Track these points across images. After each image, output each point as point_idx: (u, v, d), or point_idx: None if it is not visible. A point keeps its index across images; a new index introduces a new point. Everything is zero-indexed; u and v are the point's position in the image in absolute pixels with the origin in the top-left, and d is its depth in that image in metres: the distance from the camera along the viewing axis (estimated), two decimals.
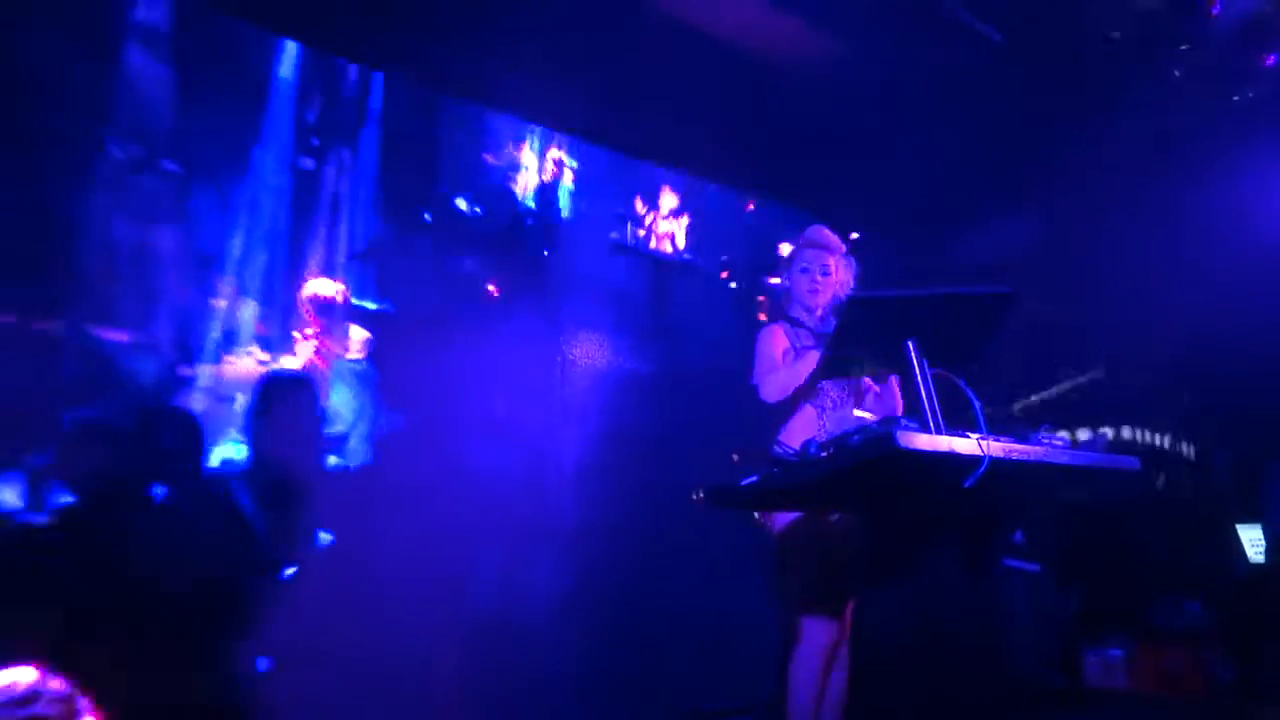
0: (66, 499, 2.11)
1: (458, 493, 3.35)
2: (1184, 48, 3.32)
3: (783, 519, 2.07)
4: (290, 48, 4.04)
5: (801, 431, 2.01)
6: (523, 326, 4.27)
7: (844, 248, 2.34)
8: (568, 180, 5.29)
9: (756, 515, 2.13)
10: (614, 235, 5.33)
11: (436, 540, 3.09)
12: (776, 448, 1.73)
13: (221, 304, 3.70)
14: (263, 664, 2.15)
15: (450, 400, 3.78)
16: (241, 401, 3.20)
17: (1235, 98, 3.53)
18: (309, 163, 4.21)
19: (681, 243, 5.76)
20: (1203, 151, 3.72)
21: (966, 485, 1.47)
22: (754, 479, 1.74)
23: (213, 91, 3.73)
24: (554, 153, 5.30)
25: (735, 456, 1.75)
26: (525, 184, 5.10)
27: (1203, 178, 3.74)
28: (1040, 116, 3.82)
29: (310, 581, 2.35)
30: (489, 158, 5.11)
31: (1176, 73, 3.40)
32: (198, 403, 3.31)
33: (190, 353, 3.55)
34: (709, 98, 3.61)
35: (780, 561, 2.06)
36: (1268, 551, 3.72)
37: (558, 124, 4.57)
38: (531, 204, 5.12)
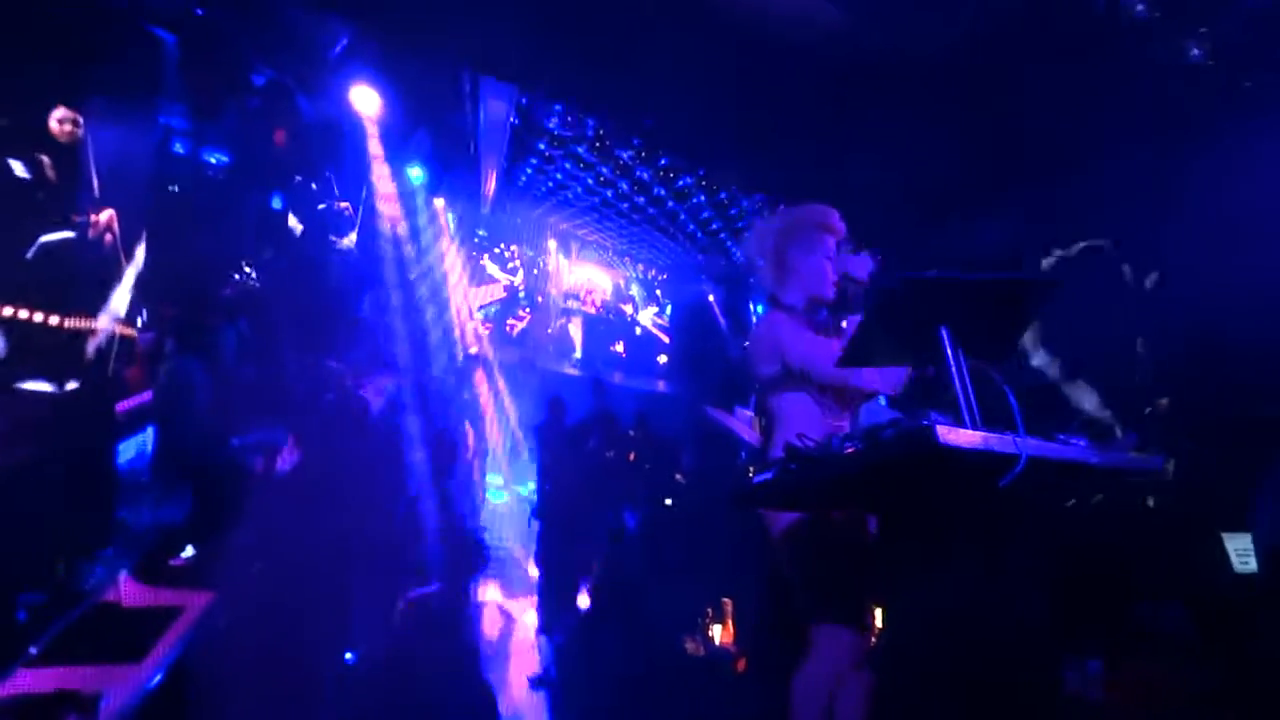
0: None
1: None
2: (1203, 30, 3.52)
3: (784, 520, 2.13)
4: None
5: (802, 425, 2.06)
6: None
7: (843, 226, 2.39)
8: None
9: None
10: None
11: None
12: (796, 441, 1.79)
13: None
14: None
15: None
16: None
17: (1248, 84, 3.76)
18: None
19: None
20: (1215, 137, 3.94)
21: (1003, 484, 1.56)
22: (768, 475, 1.81)
23: None
24: None
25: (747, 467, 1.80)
26: None
27: (1214, 165, 3.96)
28: (1041, 99, 3.98)
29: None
30: None
31: (1195, 51, 3.59)
32: None
33: None
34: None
35: (786, 569, 2.10)
36: (1257, 561, 4.05)
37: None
38: None
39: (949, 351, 1.68)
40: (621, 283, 9.86)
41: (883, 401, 1.98)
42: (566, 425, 5.66)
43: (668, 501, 5.53)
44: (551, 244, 9.31)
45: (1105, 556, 3.42)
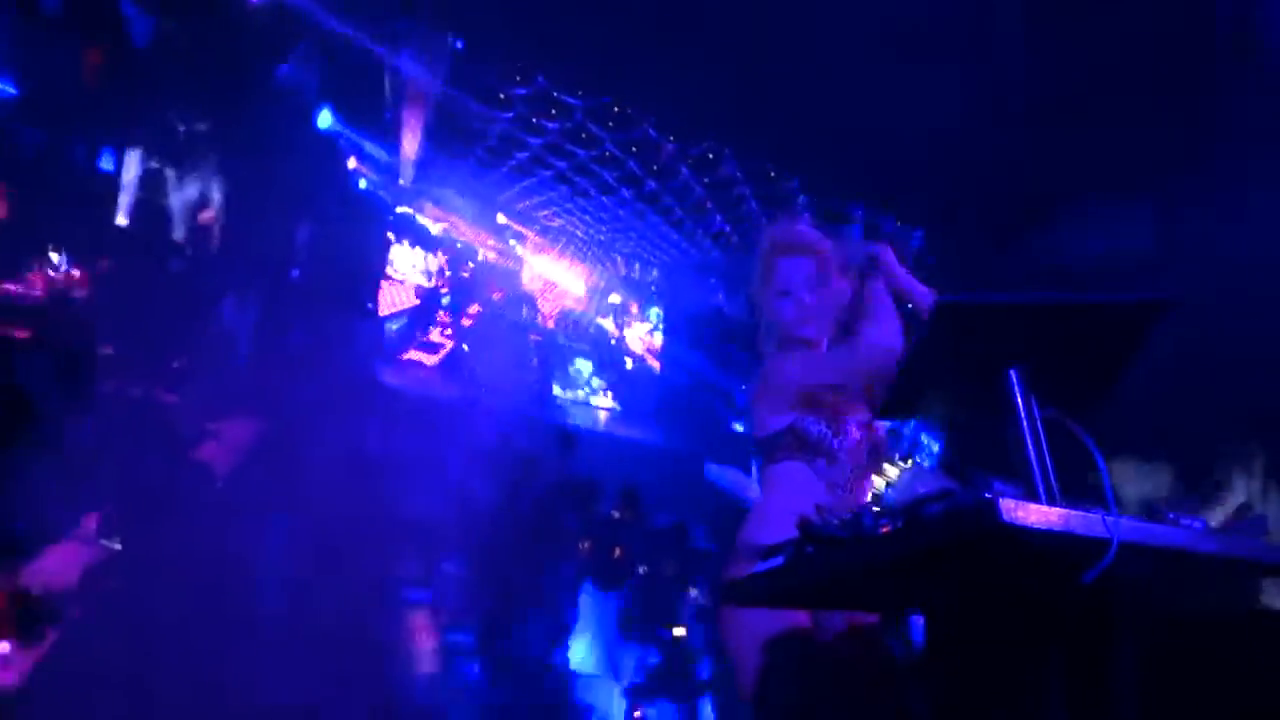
0: None
1: None
2: None
3: (756, 626, 2.19)
4: None
5: (798, 498, 2.17)
6: None
7: (828, 241, 2.55)
8: None
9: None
10: None
11: None
12: (814, 516, 1.86)
13: None
14: None
15: None
16: None
17: None
18: None
19: None
20: None
21: (1087, 579, 1.60)
22: (776, 562, 1.87)
23: None
24: None
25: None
26: None
27: None
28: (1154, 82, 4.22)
29: None
30: None
31: None
32: None
33: None
34: None
35: (764, 693, 2.18)
36: None
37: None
38: None
39: (1019, 400, 1.74)
40: (598, 285, 9.68)
41: (926, 463, 2.06)
42: (525, 507, 5.48)
43: (679, 632, 5.28)
44: (503, 228, 9.15)
45: (1233, 678, 3.47)
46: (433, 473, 6.77)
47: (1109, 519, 1.61)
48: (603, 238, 9.39)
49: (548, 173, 7.98)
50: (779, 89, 4.62)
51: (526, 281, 9.35)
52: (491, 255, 9.11)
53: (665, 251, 9.24)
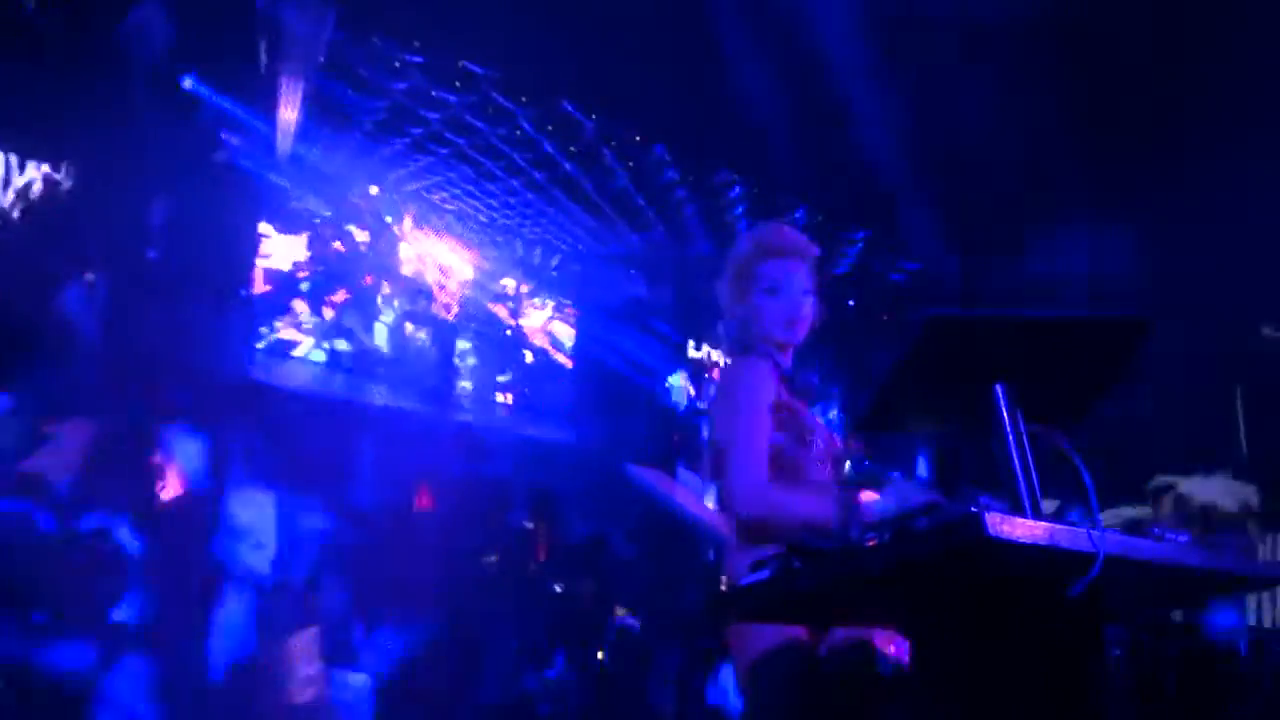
0: None
1: None
2: None
3: (759, 641, 2.35)
4: None
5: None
6: None
7: (816, 248, 2.75)
8: None
9: None
10: None
11: None
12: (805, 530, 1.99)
13: None
14: None
15: None
16: None
17: None
18: None
19: None
20: None
21: (1073, 594, 1.75)
22: (763, 575, 1.98)
23: None
24: None
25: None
26: None
27: None
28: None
29: None
30: None
31: None
32: None
33: None
34: None
35: (766, 710, 2.34)
36: None
37: None
38: None
39: (1004, 415, 1.90)
40: (490, 267, 9.41)
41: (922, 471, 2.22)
42: (418, 520, 5.32)
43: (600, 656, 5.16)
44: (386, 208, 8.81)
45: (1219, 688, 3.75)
46: (316, 481, 6.63)
47: (1094, 533, 1.76)
48: (507, 223, 9.22)
49: (445, 150, 7.86)
50: (721, 81, 4.71)
51: (406, 266, 9.05)
52: (365, 236, 8.81)
53: (580, 240, 9.19)
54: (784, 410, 2.54)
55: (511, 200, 8.59)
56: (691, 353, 9.85)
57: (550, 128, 7.30)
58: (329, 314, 8.47)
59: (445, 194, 8.82)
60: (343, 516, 6.22)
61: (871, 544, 1.87)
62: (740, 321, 2.74)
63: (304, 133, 7.84)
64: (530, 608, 5.43)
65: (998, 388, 1.92)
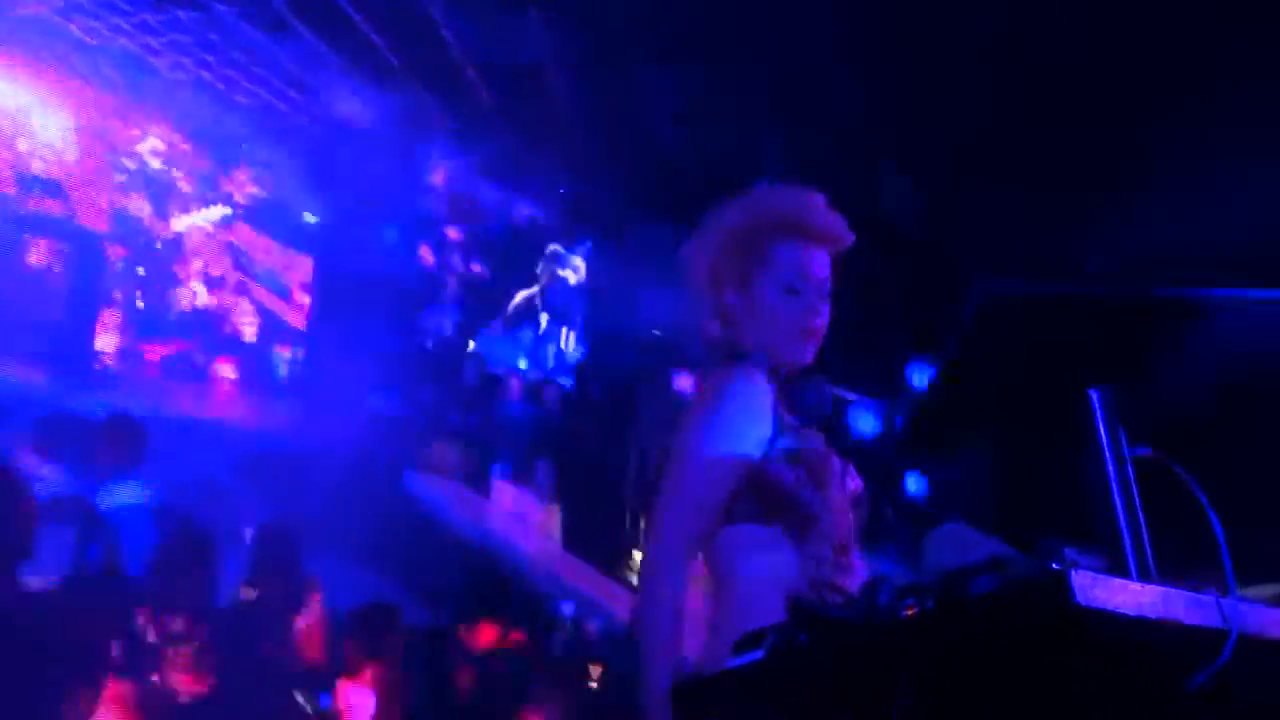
0: None
1: None
2: None
3: None
4: None
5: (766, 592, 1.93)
6: None
7: (852, 235, 2.31)
8: None
9: None
10: None
11: None
12: (808, 592, 1.71)
13: None
14: None
15: None
16: None
17: None
18: None
19: None
20: None
21: (1193, 685, 1.39)
22: (756, 656, 1.59)
23: None
24: None
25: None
26: None
27: None
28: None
29: None
30: None
31: None
32: None
33: None
34: None
35: None
36: None
37: None
38: None
39: (1103, 433, 1.51)
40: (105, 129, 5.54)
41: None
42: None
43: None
44: None
45: None
46: None
47: (1226, 602, 1.42)
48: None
49: None
50: None
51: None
52: None
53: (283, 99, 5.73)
54: (789, 435, 2.00)
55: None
56: None
57: None
58: None
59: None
60: None
61: (910, 612, 1.49)
62: (728, 320, 2.23)
63: None
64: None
65: (1092, 395, 1.53)
